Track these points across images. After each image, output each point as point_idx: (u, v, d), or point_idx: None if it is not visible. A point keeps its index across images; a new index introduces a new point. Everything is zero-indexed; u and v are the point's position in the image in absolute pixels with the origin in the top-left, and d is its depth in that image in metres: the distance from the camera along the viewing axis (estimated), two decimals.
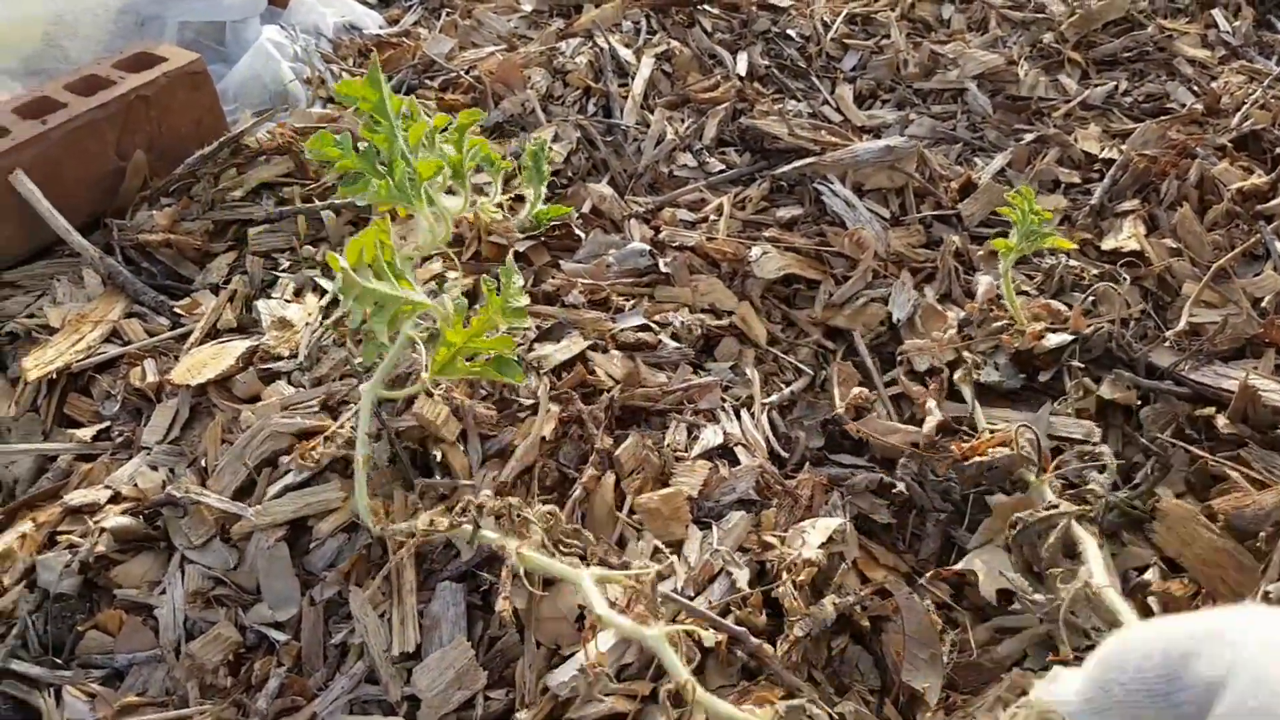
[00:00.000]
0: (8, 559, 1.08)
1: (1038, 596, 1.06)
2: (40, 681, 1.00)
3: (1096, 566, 1.01)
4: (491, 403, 1.22)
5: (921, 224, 1.66)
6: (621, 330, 1.35)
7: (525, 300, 1.18)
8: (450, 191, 1.45)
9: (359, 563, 1.07)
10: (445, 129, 1.36)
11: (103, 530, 1.08)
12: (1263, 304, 1.48)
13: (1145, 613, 1.09)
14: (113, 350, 1.37)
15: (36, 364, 1.30)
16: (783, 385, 1.38)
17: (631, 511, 1.13)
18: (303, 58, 2.07)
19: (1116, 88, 2.03)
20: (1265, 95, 1.95)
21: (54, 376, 1.31)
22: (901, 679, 1.04)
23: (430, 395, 1.18)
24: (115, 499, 1.15)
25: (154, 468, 1.19)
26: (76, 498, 1.14)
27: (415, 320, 1.13)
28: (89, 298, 1.48)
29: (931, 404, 1.31)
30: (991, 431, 1.27)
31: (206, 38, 2.15)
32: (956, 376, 1.36)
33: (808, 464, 1.27)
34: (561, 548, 1.00)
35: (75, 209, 1.60)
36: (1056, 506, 1.09)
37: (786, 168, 1.67)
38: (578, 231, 1.53)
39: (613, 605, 0.91)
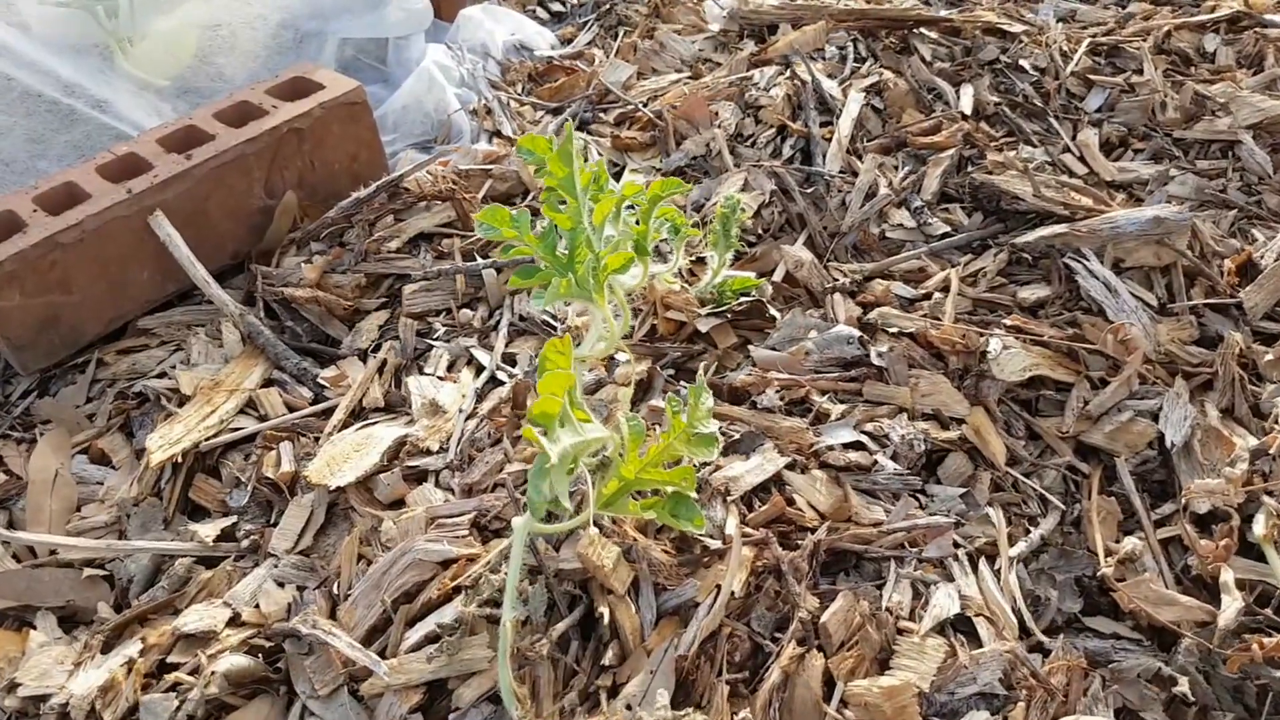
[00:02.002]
0: (110, 693, 0.94)
1: None
2: None
3: None
4: (669, 540, 1.00)
5: (1193, 314, 1.35)
6: (828, 447, 1.11)
7: (714, 426, 0.96)
8: None
9: None
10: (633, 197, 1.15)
11: (215, 672, 0.92)
12: None
13: None
14: (248, 425, 1.23)
15: (162, 444, 1.16)
16: (1025, 522, 1.11)
17: (843, 703, 0.90)
18: (469, 83, 1.91)
19: None
20: None
21: (178, 460, 1.17)
22: None
23: (599, 530, 0.97)
24: (234, 621, 1.00)
25: (281, 584, 1.03)
26: (192, 619, 0.98)
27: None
28: (226, 358, 1.34)
29: (1228, 577, 1.02)
30: None
31: (367, 55, 2.01)
32: (1258, 533, 1.06)
33: (1061, 635, 1.01)
34: None
35: (218, 249, 1.48)
36: None
37: (1030, 236, 1.38)
38: (771, 311, 1.30)
39: None
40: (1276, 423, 1.18)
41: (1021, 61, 1.82)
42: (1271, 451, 1.15)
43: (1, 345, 1.32)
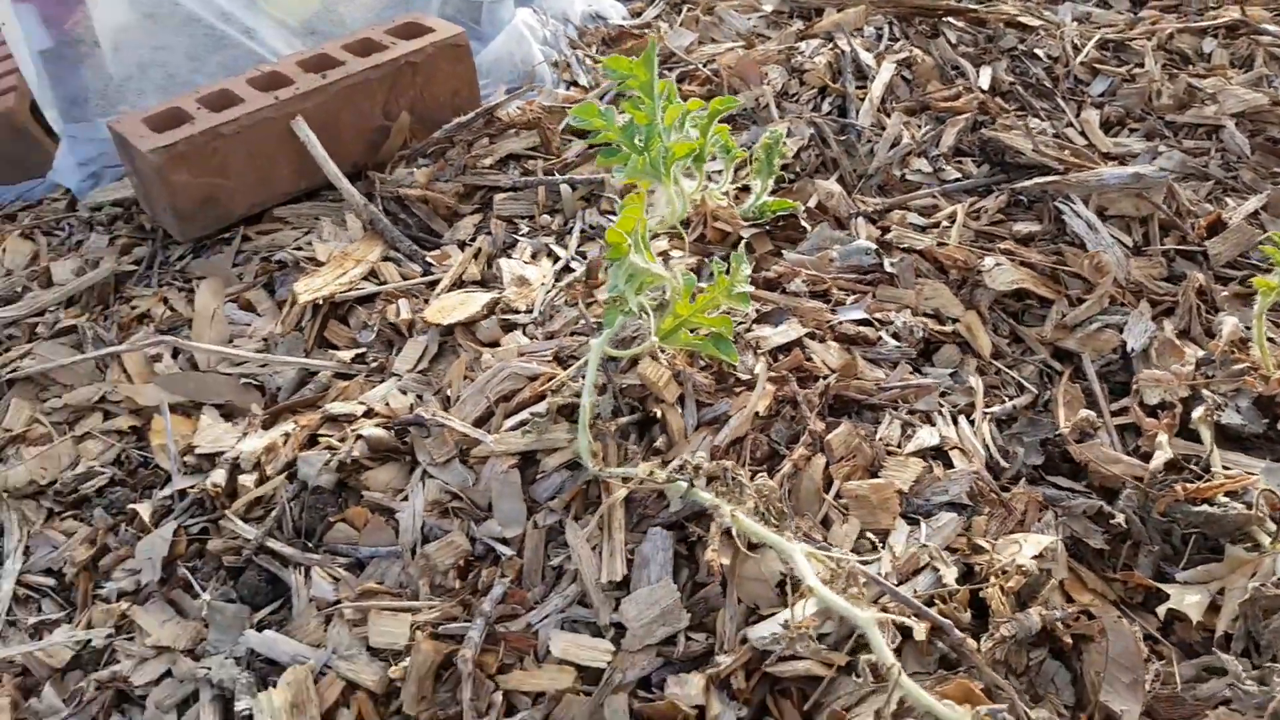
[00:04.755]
0: (271, 452, 1.21)
1: (1250, 686, 1.01)
2: (291, 560, 1.12)
3: None
4: (710, 374, 1.26)
5: (1164, 256, 1.59)
6: (841, 322, 1.36)
7: (749, 287, 1.22)
8: (686, 174, 1.51)
9: (578, 496, 1.13)
10: (695, 113, 1.41)
11: (359, 437, 1.19)
12: None
13: None
14: (370, 287, 1.50)
15: (307, 289, 1.45)
16: (1004, 399, 1.36)
17: (838, 496, 1.15)
18: (550, 41, 2.19)
19: None
20: None
21: (319, 303, 1.45)
22: (1099, 699, 1.02)
23: (655, 359, 1.24)
24: (369, 414, 1.27)
25: (404, 392, 1.30)
26: (335, 408, 1.26)
27: (649, 290, 1.19)
28: (350, 239, 1.62)
29: (1162, 438, 1.26)
30: (1226, 477, 1.21)
31: (464, 15, 2.30)
32: (1195, 416, 1.30)
33: (1023, 480, 1.25)
34: (771, 519, 1.03)
35: (343, 158, 1.76)
36: None
37: (1028, 183, 1.63)
38: (804, 223, 1.56)
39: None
40: (1219, 338, 1.42)
41: (1037, 50, 2.08)
42: (1215, 358, 1.39)
43: (170, 214, 1.61)
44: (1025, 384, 1.38)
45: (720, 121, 1.43)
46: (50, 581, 1.22)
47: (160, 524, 1.19)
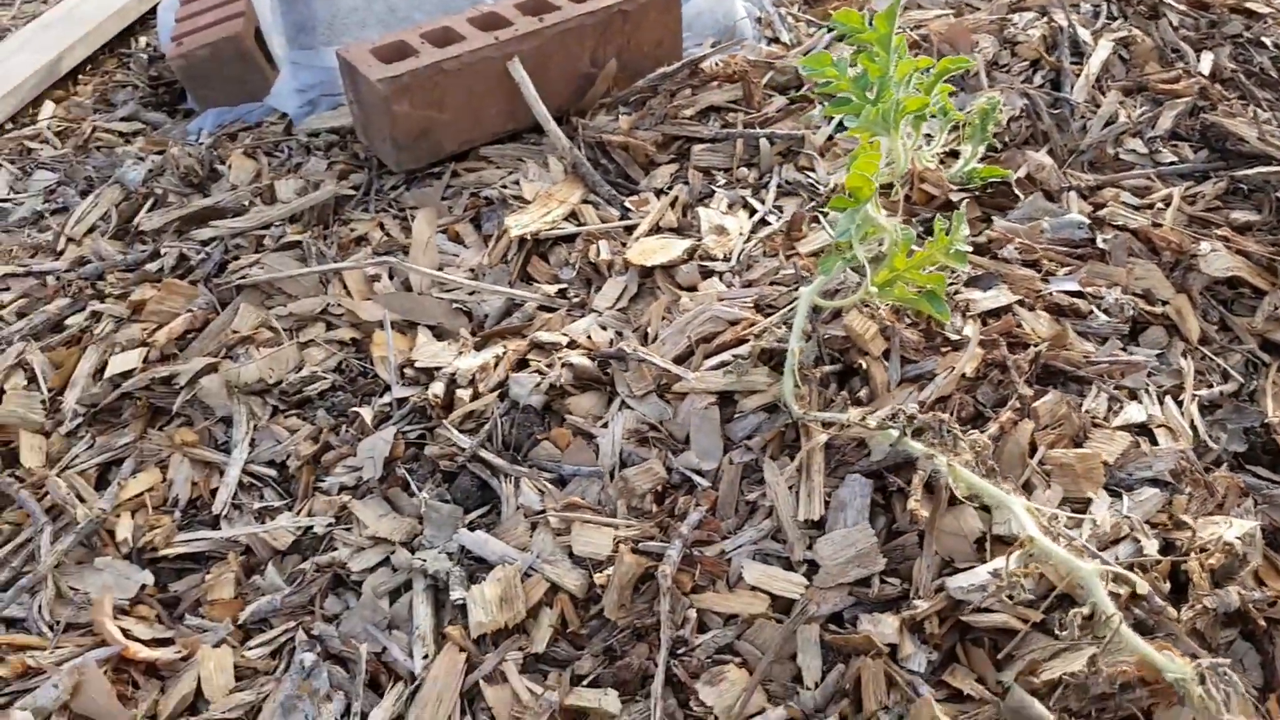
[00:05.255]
0: (485, 371, 1.28)
1: None
2: (501, 470, 1.19)
3: None
4: (917, 331, 1.26)
5: None
6: (1053, 292, 1.34)
7: (968, 248, 1.21)
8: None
9: (775, 438, 1.16)
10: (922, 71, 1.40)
11: (566, 364, 1.24)
12: None
13: None
14: (570, 228, 1.56)
15: (517, 224, 1.51)
16: (1209, 385, 1.31)
17: (1042, 462, 1.14)
18: None
19: None
20: None
21: (525, 239, 1.51)
22: None
23: (861, 310, 1.24)
24: (572, 345, 1.32)
25: (604, 327, 1.35)
26: (542, 336, 1.32)
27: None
28: (552, 181, 1.68)
29: None
30: None
31: None
32: None
33: (1224, 466, 1.21)
34: (982, 475, 1.03)
35: (549, 102, 1.81)
36: None
37: (1250, 171, 1.56)
38: (1017, 191, 1.53)
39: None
40: None
41: (1263, 38, 1.96)
42: None
43: (388, 143, 1.70)
44: (1231, 372, 1.33)
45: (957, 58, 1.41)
46: (272, 472, 1.32)
47: (380, 427, 1.27)
